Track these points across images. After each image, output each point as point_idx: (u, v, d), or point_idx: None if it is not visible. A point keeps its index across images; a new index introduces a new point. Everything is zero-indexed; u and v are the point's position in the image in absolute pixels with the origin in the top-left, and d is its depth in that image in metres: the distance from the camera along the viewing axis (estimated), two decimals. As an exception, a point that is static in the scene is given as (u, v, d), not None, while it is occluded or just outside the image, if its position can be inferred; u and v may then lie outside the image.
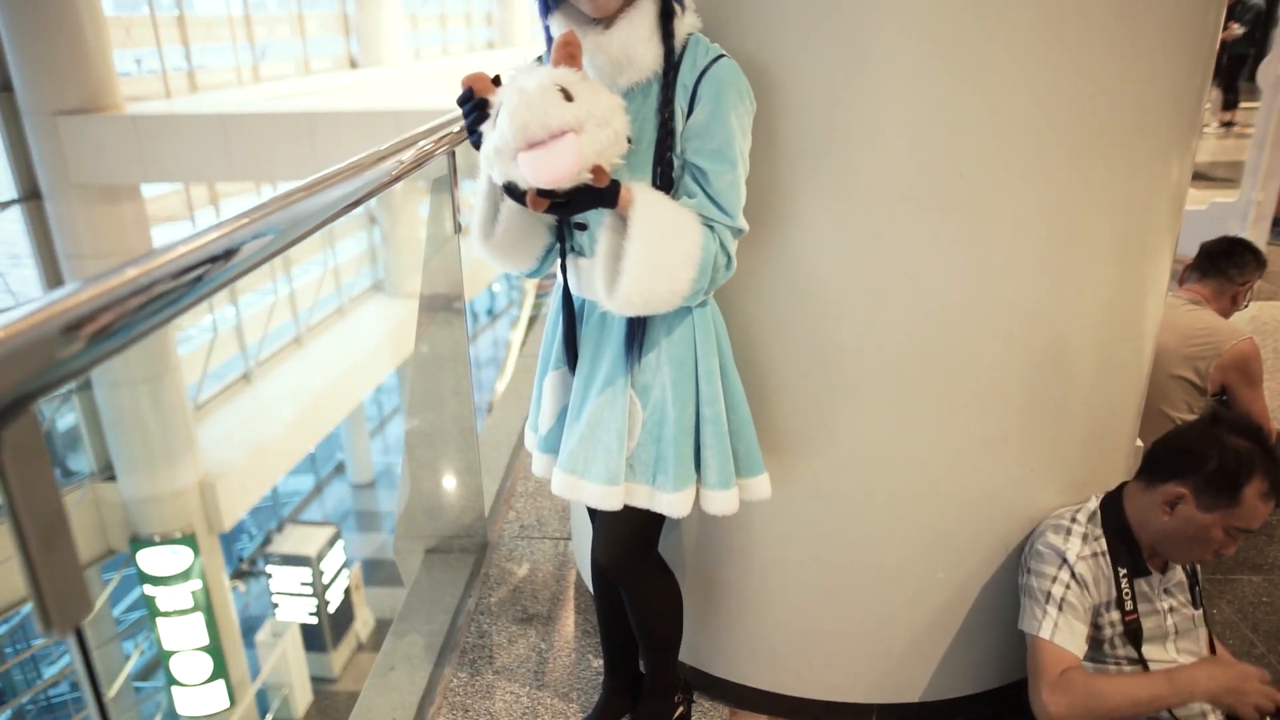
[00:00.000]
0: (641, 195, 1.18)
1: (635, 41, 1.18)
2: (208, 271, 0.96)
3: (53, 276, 8.79)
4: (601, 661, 1.84)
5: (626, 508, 1.37)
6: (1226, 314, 2.32)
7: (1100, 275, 1.48)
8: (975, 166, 1.34)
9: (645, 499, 1.37)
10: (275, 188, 11.46)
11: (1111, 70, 1.33)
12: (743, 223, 1.25)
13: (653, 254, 1.17)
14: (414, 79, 12.77)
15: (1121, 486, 1.53)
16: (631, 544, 1.47)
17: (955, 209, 1.36)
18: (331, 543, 10.43)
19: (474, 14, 19.60)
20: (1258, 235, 4.25)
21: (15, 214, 8.65)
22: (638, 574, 1.51)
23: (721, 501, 1.37)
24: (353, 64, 13.99)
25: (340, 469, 14.26)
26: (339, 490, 14.16)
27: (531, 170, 1.07)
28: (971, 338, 1.44)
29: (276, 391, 10.59)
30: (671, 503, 1.35)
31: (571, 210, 1.17)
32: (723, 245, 1.24)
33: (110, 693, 9.15)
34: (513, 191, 1.15)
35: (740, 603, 1.69)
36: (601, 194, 1.15)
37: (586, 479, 1.36)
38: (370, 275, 13.83)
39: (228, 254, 1.01)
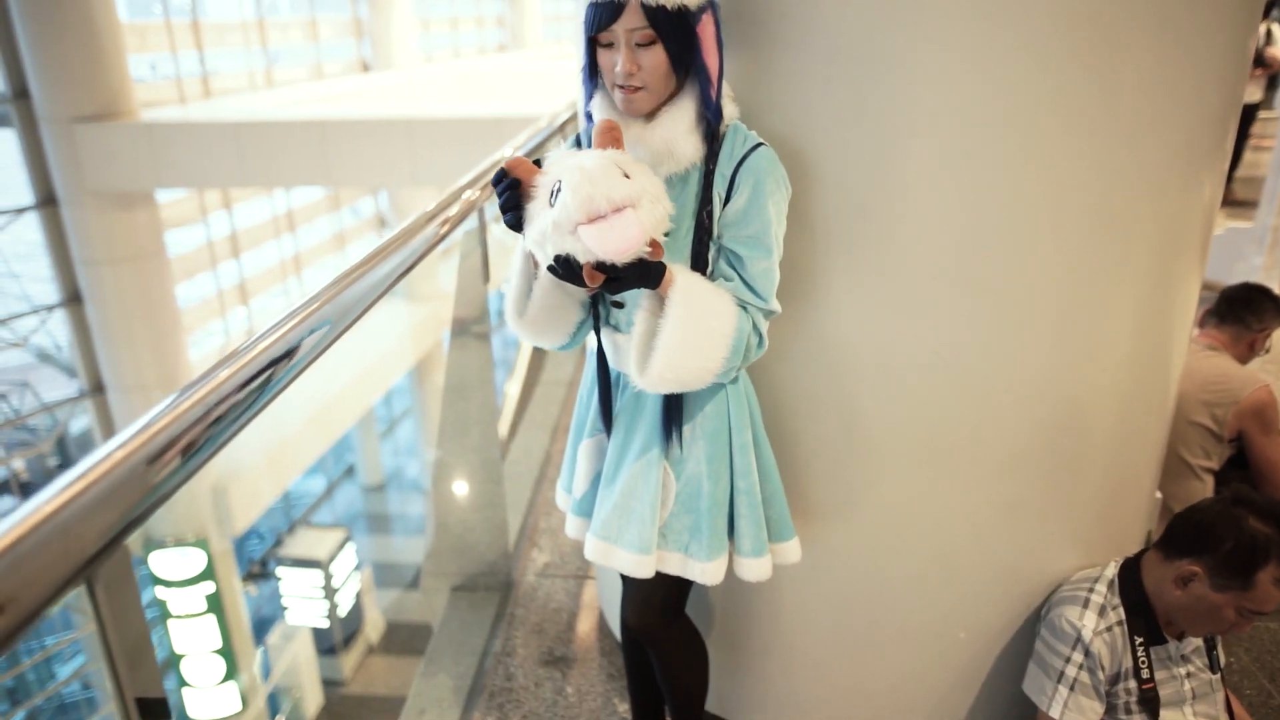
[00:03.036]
0: (682, 276, 1.21)
1: (677, 136, 1.22)
2: (275, 372, 1.01)
3: (68, 281, 8.88)
4: (627, 706, 1.88)
5: (657, 572, 1.41)
6: (1244, 361, 2.34)
7: (1123, 346, 1.51)
8: (1002, 247, 1.37)
9: (678, 567, 1.41)
10: (288, 193, 11.48)
11: (1133, 149, 1.36)
12: (775, 305, 1.28)
13: (687, 333, 1.20)
14: (425, 83, 12.82)
15: (1141, 554, 1.56)
16: (661, 608, 1.51)
17: (983, 287, 1.39)
18: (342, 546, 10.50)
19: (485, 17, 19.62)
20: (1274, 260, 4.26)
21: (31, 219, 8.73)
22: (667, 636, 1.54)
23: (755, 569, 1.41)
24: (365, 68, 14.04)
25: (351, 471, 14.33)
26: (349, 492, 14.23)
27: (598, 242, 1.09)
28: (995, 408, 1.48)
29: (288, 394, 10.63)
30: (705, 571, 1.39)
31: (622, 286, 1.18)
32: (755, 326, 1.27)
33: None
34: (564, 266, 1.14)
35: (766, 656, 1.73)
36: (649, 272, 1.17)
37: (619, 546, 1.39)
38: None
39: (289, 353, 1.05)
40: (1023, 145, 1.32)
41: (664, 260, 1.20)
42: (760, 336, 1.28)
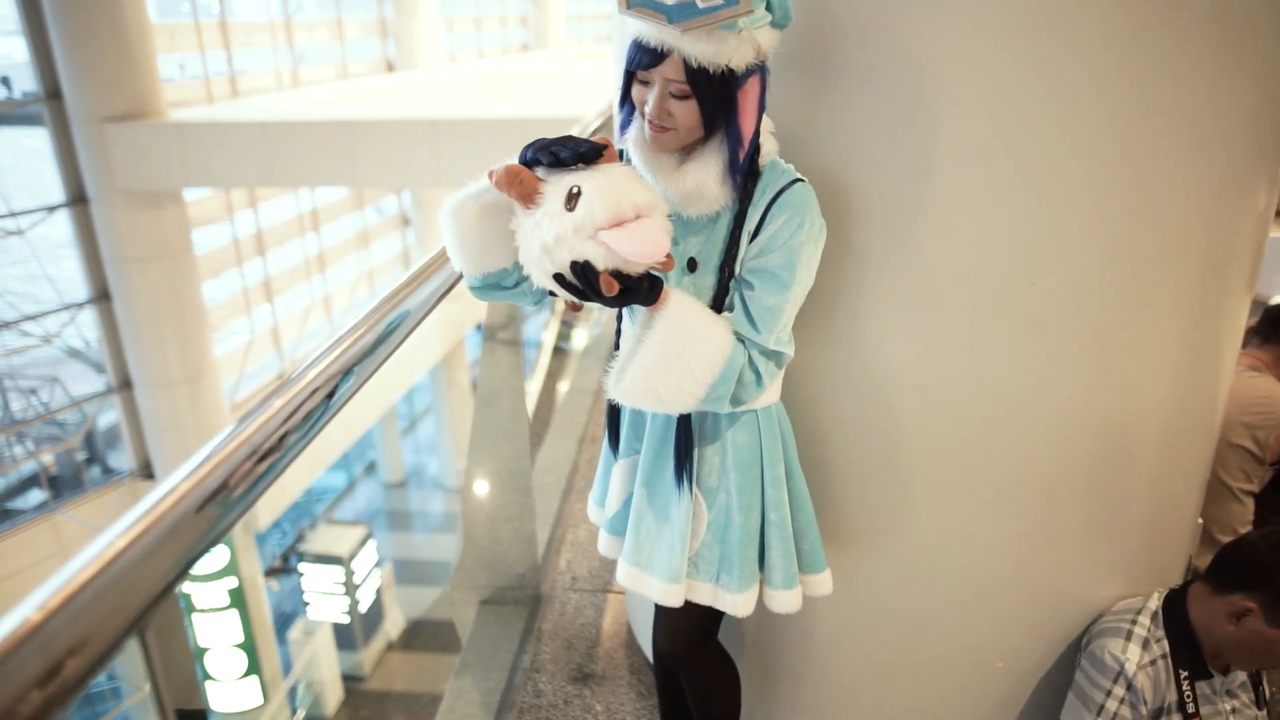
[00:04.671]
0: (676, 297, 1.19)
1: (709, 180, 1.19)
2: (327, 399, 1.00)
3: (97, 279, 8.98)
4: (657, 727, 1.87)
5: (689, 601, 1.40)
6: (1287, 382, 2.29)
7: (1169, 373, 1.48)
8: (1046, 277, 1.35)
9: (709, 597, 1.40)
10: (312, 191, 11.52)
11: (1181, 176, 1.33)
12: (775, 345, 1.23)
13: (668, 354, 1.17)
14: (449, 83, 12.86)
15: (1185, 585, 1.53)
16: (693, 635, 1.50)
17: (1026, 317, 1.37)
18: (363, 543, 10.58)
19: (509, 17, 19.67)
20: (1311, 272, 4.17)
21: (63, 217, 8.85)
22: (698, 662, 1.54)
23: (785, 601, 1.40)
24: (389, 67, 14.11)
25: (372, 468, 14.44)
26: (370, 489, 14.34)
27: (625, 244, 1.07)
28: (1037, 438, 1.45)
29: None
30: (736, 603, 1.38)
31: (629, 299, 1.15)
32: (751, 362, 1.23)
33: (145, 687, 9.35)
34: (580, 273, 1.09)
35: (798, 682, 1.71)
36: (655, 286, 1.16)
37: (650, 574, 1.39)
38: (403, 276, 13.95)
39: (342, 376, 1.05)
40: (1068, 173, 1.29)
41: (664, 281, 1.19)
42: (758, 375, 1.23)
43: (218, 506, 0.80)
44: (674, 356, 1.18)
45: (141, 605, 0.70)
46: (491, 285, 1.29)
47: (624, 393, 1.22)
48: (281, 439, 0.92)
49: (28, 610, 0.62)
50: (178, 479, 0.79)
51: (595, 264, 1.09)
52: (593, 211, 1.07)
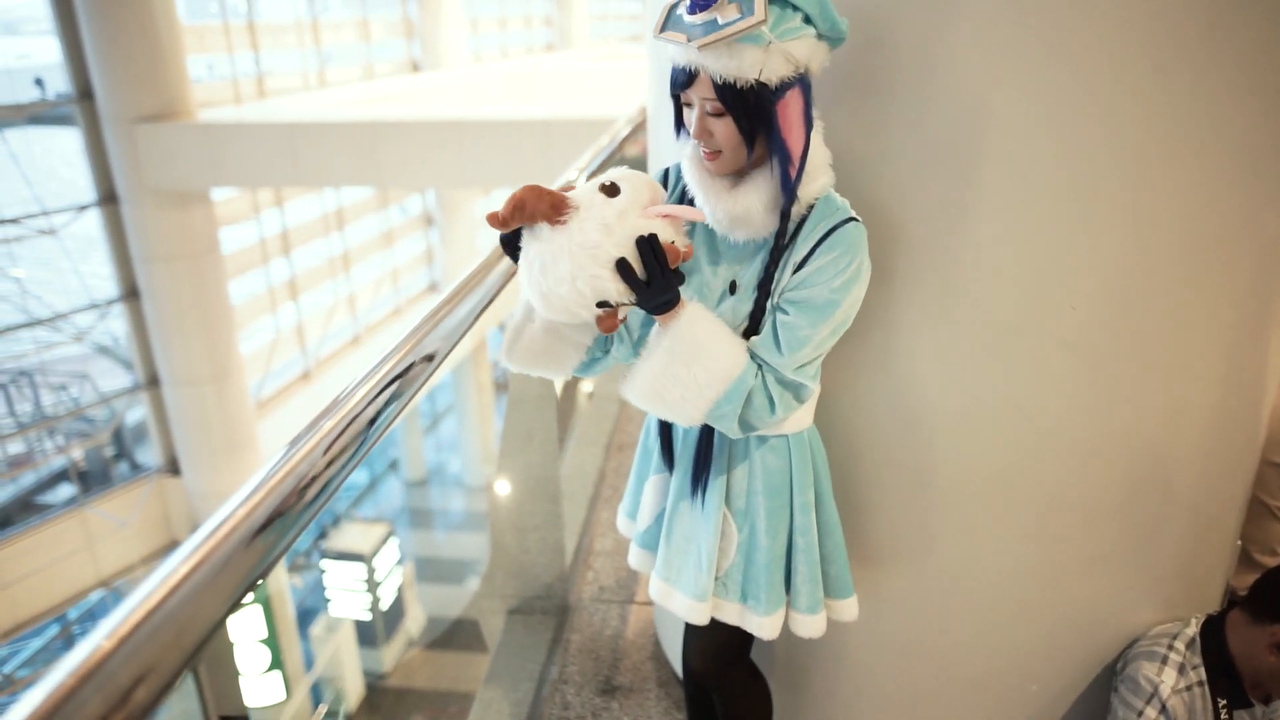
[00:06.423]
0: (691, 308, 1.19)
1: (759, 207, 1.18)
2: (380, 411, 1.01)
3: (126, 277, 9.11)
4: (685, 741, 1.87)
5: (719, 620, 1.41)
6: (1326, 400, 2.25)
7: (1209, 398, 1.47)
8: (1086, 300, 1.34)
9: (735, 617, 1.40)
10: (337, 191, 11.57)
11: (1220, 203, 1.31)
12: (795, 373, 1.21)
13: (673, 364, 1.19)
14: (474, 83, 12.92)
15: (1224, 612, 1.51)
16: (723, 653, 1.51)
17: (1065, 341, 1.36)
18: (385, 540, 10.64)
19: (533, 17, 19.73)
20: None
21: (93, 216, 8.98)
22: (730, 680, 1.54)
23: (809, 626, 1.40)
24: (414, 68, 14.18)
25: (394, 465, 14.53)
26: (392, 486, 14.43)
27: (679, 209, 1.18)
28: (1075, 462, 1.44)
29: (335, 389, 10.81)
30: (762, 625, 1.38)
31: (662, 289, 1.14)
32: (766, 385, 1.21)
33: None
34: (646, 247, 1.11)
35: (829, 702, 1.71)
36: (675, 294, 1.18)
37: (678, 590, 1.40)
38: (427, 276, 14.04)
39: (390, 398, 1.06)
40: (1109, 197, 1.28)
41: (679, 295, 1.19)
42: (771, 401, 1.21)
43: (271, 534, 0.81)
44: (680, 366, 1.19)
45: (201, 634, 0.71)
46: (583, 367, 1.38)
47: (633, 392, 1.26)
48: (329, 464, 0.93)
49: (98, 639, 0.63)
50: (231, 508, 0.81)
51: (660, 234, 1.13)
52: (637, 191, 1.14)
